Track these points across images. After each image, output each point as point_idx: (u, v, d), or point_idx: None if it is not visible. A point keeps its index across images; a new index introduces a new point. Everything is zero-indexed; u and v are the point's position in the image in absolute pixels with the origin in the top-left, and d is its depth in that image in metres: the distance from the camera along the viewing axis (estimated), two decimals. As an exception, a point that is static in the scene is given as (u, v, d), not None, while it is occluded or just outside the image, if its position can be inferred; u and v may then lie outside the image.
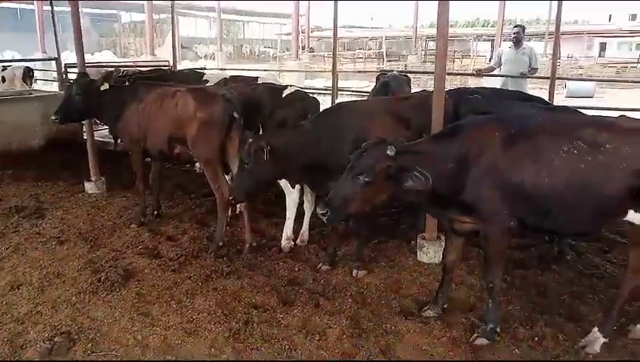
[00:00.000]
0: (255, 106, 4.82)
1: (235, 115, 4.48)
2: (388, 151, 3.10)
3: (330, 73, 9.37)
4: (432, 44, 43.30)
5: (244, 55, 47.66)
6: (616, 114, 3.62)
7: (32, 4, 31.51)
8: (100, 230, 5.17)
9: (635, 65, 26.30)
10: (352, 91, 11.12)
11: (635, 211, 3.08)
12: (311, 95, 5.19)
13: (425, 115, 4.23)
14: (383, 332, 3.48)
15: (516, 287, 4.09)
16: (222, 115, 4.46)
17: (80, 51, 6.20)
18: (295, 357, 3.21)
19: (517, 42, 8.54)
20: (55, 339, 3.30)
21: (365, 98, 8.34)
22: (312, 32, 41.30)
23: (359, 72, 20.46)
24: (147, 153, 5.17)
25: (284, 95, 4.91)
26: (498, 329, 3.43)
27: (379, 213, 5.69)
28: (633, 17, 46.83)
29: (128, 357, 3.16)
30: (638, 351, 3.27)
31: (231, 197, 4.07)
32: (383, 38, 41.00)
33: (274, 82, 6.44)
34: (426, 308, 3.75)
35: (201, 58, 38.41)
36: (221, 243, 4.70)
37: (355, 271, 4.31)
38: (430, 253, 4.52)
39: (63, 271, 4.26)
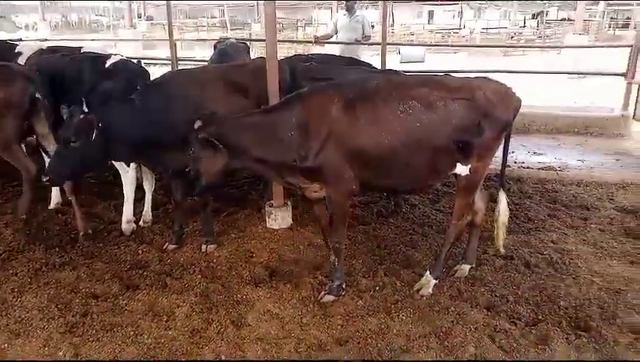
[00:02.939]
0: (75, 78, 4.38)
1: (38, 95, 4.12)
2: (195, 125, 3.12)
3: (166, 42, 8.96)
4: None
5: (72, 24, 43.20)
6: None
7: None
8: None
9: (457, 31, 29.06)
10: (194, 61, 10.68)
11: (462, 164, 3.40)
12: (139, 65, 4.84)
13: (262, 81, 4.21)
14: (233, 303, 3.47)
15: (358, 242, 4.34)
16: (20, 97, 4.05)
17: None
18: (142, 341, 3.06)
19: (349, 10, 8.82)
20: None
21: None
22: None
23: (199, 40, 19.71)
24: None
25: (107, 65, 4.49)
26: (344, 285, 3.61)
27: (227, 185, 5.64)
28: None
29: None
30: (462, 287, 3.66)
31: (46, 179, 3.66)
32: (225, 6, 39.93)
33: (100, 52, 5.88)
34: None
35: (21, 29, 34.00)
36: (24, 217, 4.50)
37: (204, 246, 4.22)
38: (279, 219, 4.58)
39: None
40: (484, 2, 37.13)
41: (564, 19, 36.76)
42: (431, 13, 44.64)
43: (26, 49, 6.55)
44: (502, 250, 3.84)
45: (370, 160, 3.30)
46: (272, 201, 4.67)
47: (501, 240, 3.76)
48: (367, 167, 3.33)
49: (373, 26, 10.30)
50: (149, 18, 36.71)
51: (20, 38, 13.92)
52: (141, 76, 4.50)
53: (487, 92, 3.35)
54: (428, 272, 3.70)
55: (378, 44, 8.90)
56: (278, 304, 3.47)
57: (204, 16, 42.37)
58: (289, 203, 4.68)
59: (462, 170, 3.42)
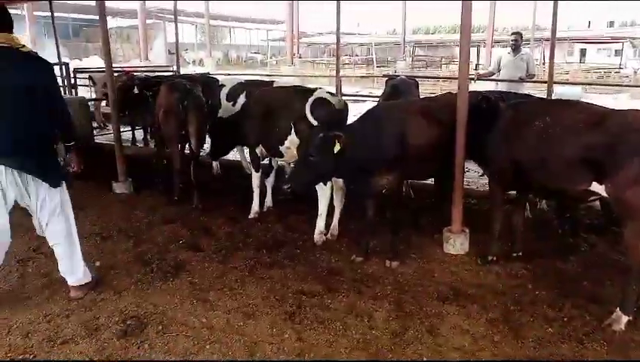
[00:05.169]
0: (287, 107, 5.10)
1: None
2: None
3: (329, 78, 9.67)
4: (419, 51, 44.02)
5: (231, 61, 47.83)
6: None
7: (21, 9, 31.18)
8: (139, 227, 5.40)
9: (617, 70, 27.15)
10: (360, 96, 11.41)
11: (597, 183, 3.67)
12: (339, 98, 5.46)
13: (452, 114, 4.57)
14: (425, 315, 3.76)
15: (540, 275, 4.42)
16: None
17: (108, 56, 6.45)
18: (351, 335, 3.48)
19: (515, 48, 8.94)
20: (127, 323, 3.54)
21: (376, 102, 8.54)
22: (299, 37, 41.71)
23: (362, 77, 20.79)
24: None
25: (313, 97, 5.13)
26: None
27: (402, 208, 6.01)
28: (611, 24, 48.16)
29: (198, 337, 3.41)
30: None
31: (287, 187, 4.27)
32: (373, 45, 41.46)
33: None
34: None
35: (189, 63, 38.50)
36: None
37: (388, 262, 4.59)
38: (457, 244, 4.82)
39: (114, 264, 4.50)
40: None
41: None
42: (583, 52, 42.22)
43: (228, 82, 7.67)
44: None
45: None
46: (450, 227, 4.93)
47: None
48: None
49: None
50: (299, 56, 39.42)
51: (204, 73, 15.95)
52: (342, 108, 5.08)
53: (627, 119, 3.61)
54: (618, 308, 3.69)
55: (544, 82, 8.83)
56: (467, 321, 3.69)
57: (347, 55, 44.41)
58: (466, 230, 4.91)
59: (598, 188, 3.65)
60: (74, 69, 11.51)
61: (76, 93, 11.25)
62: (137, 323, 3.55)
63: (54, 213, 3.73)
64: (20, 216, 5.50)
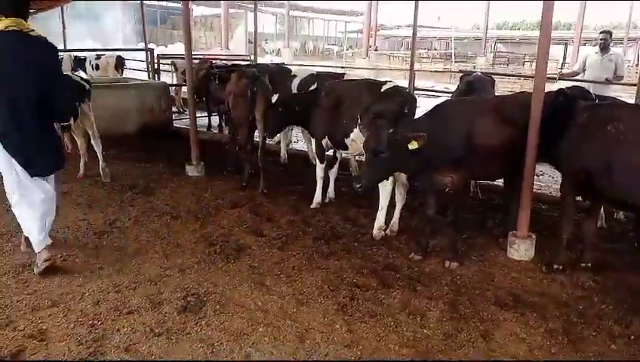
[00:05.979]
0: (356, 99, 5.11)
1: None
2: None
3: (404, 72, 9.55)
4: (501, 47, 42.35)
5: (307, 52, 48.30)
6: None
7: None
8: (207, 209, 5.64)
9: None
10: (431, 91, 11.19)
11: None
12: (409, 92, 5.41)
13: (526, 114, 4.39)
14: (480, 319, 3.68)
15: (609, 288, 4.19)
16: None
17: (188, 44, 6.74)
18: (401, 332, 3.47)
19: (604, 48, 8.44)
20: (188, 299, 3.73)
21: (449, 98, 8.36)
22: (377, 30, 41.37)
23: (437, 71, 20.36)
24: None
25: (382, 90, 5.13)
26: None
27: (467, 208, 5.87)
28: None
29: (252, 319, 3.54)
30: None
31: (358, 186, 4.09)
32: (452, 39, 40.33)
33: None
34: None
35: (267, 53, 39.29)
36: None
37: (447, 263, 4.51)
38: (521, 250, 4.66)
39: (181, 242, 4.75)
40: None
41: None
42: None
43: (300, 73, 7.82)
44: None
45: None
46: (515, 231, 4.76)
47: None
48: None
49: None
50: (376, 48, 39.14)
51: (279, 63, 16.26)
52: (411, 101, 5.03)
53: None
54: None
55: (633, 85, 8.28)
56: (524, 329, 3.57)
57: (425, 48, 43.51)
58: (533, 235, 4.72)
59: None
60: (158, 54, 12.08)
61: (159, 78, 11.83)
62: (197, 300, 3.73)
63: None
64: (97, 192, 5.97)
